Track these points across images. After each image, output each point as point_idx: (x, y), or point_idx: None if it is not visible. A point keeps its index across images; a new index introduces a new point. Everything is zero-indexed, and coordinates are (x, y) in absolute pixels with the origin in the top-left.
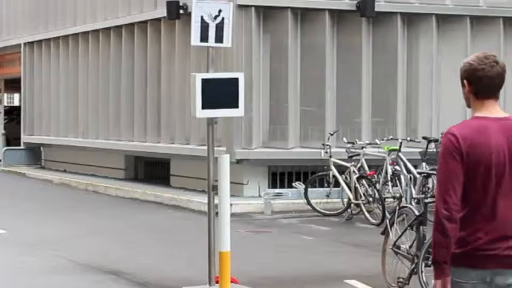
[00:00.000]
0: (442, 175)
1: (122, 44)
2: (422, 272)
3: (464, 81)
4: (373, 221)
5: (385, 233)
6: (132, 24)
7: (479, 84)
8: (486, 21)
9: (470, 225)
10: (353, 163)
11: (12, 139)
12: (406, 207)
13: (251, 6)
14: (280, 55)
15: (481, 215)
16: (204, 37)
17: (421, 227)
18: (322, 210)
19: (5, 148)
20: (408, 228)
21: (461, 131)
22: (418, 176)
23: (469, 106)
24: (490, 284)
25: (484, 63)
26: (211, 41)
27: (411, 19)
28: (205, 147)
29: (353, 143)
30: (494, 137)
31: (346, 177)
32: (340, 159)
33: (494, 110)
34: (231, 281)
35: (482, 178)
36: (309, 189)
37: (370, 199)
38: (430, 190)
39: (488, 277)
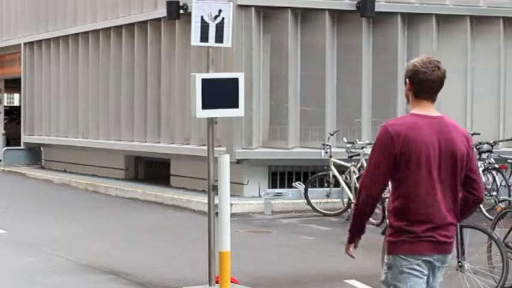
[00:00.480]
0: (371, 165)
1: (122, 44)
2: None
3: (407, 80)
4: (373, 221)
5: (385, 233)
6: (132, 24)
7: (420, 85)
8: (486, 21)
9: (407, 215)
10: (353, 163)
11: (12, 139)
12: None
13: (251, 6)
14: (280, 55)
15: (417, 205)
16: (204, 37)
17: None
18: (322, 210)
19: (5, 148)
20: None
21: (395, 127)
22: None
23: (408, 102)
24: (428, 266)
25: (426, 67)
26: (211, 41)
27: (411, 19)
28: (205, 147)
29: (353, 143)
30: (425, 133)
31: (346, 177)
32: (340, 159)
33: (429, 109)
34: (231, 281)
35: (414, 171)
36: (309, 189)
37: None
38: None
39: (428, 260)
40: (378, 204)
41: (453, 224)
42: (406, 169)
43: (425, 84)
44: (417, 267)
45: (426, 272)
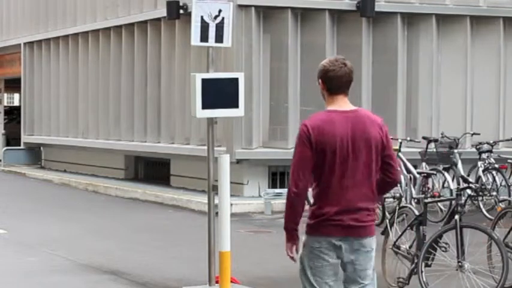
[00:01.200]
0: (295, 159)
1: (121, 44)
2: (422, 272)
3: (320, 80)
4: None
5: (385, 233)
6: (132, 24)
7: (330, 82)
8: (486, 21)
9: (322, 200)
10: None
11: (12, 139)
12: (406, 207)
13: (251, 6)
14: (280, 55)
15: (330, 191)
16: (204, 37)
17: (421, 227)
18: None
19: (5, 148)
20: (408, 228)
21: (312, 123)
22: (417, 176)
23: (324, 100)
24: (339, 249)
25: (334, 65)
26: (211, 41)
27: (411, 19)
28: (205, 147)
29: None
30: (339, 127)
31: None
32: None
33: (343, 104)
34: (231, 281)
35: (329, 161)
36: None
37: None
38: (430, 190)
39: (337, 243)
40: (378, 204)
41: (367, 208)
42: (323, 159)
43: (334, 81)
44: (325, 250)
45: (334, 255)
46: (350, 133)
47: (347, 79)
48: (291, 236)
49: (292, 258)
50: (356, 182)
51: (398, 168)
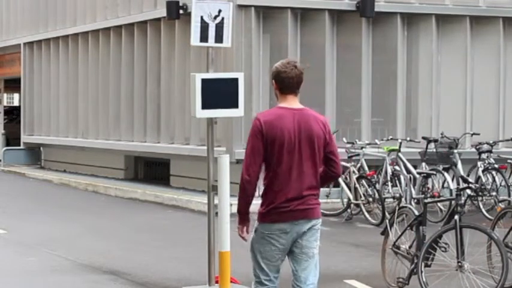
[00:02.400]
0: (248, 149)
1: (121, 44)
2: (422, 272)
3: (273, 80)
4: (373, 221)
5: (385, 233)
6: (132, 24)
7: (283, 83)
8: (486, 21)
9: (272, 189)
10: (353, 163)
11: (12, 139)
12: (405, 207)
13: (251, 6)
14: (280, 55)
15: (280, 181)
16: (203, 37)
17: (420, 227)
18: (321, 210)
19: (5, 148)
20: (408, 228)
21: (264, 117)
22: (417, 176)
23: (277, 99)
24: (288, 234)
25: (286, 67)
26: (211, 41)
27: (411, 19)
28: (205, 147)
29: (353, 143)
30: (287, 122)
31: (345, 178)
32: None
33: (293, 103)
34: (231, 281)
35: (278, 153)
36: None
37: (370, 199)
38: (429, 190)
39: (287, 228)
40: (378, 205)
41: (312, 194)
42: (272, 151)
43: (286, 81)
44: (275, 237)
45: (284, 241)
46: (296, 128)
47: (297, 80)
48: (243, 219)
49: (243, 238)
50: (301, 173)
51: (341, 163)
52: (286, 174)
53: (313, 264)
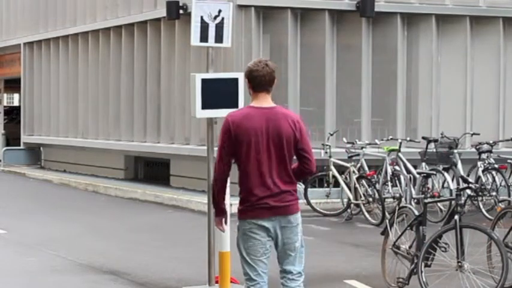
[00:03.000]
0: (218, 147)
1: (121, 44)
2: (422, 272)
3: (246, 79)
4: (373, 221)
5: (385, 233)
6: (132, 24)
7: (255, 81)
8: (486, 21)
9: (245, 187)
10: (353, 163)
11: (12, 139)
12: (405, 207)
13: (251, 6)
14: (280, 55)
15: (252, 179)
16: (203, 37)
17: (420, 227)
18: (322, 210)
19: (5, 148)
20: (408, 228)
21: (233, 117)
22: (417, 176)
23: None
24: (267, 229)
25: (257, 66)
26: (211, 41)
27: (411, 19)
28: (205, 147)
29: (353, 143)
30: (256, 121)
31: (346, 178)
32: (339, 159)
33: (264, 101)
34: (231, 281)
35: (246, 152)
36: (309, 190)
37: (370, 199)
38: (429, 190)
39: (265, 224)
40: (378, 205)
41: (287, 191)
42: (241, 150)
43: (257, 80)
44: (255, 231)
45: (264, 235)
46: (264, 127)
47: (269, 78)
48: (219, 211)
49: (221, 229)
50: (271, 171)
51: (314, 159)
52: (256, 172)
53: (298, 255)
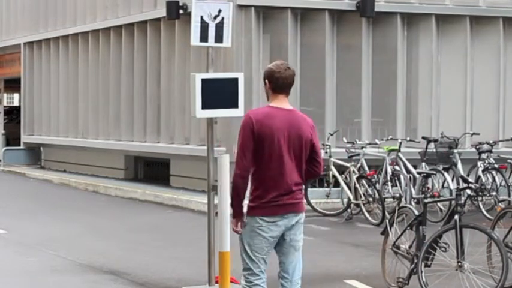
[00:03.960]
0: (239, 146)
1: (121, 44)
2: (422, 272)
3: (266, 80)
4: (373, 221)
5: (385, 233)
6: (132, 24)
7: (276, 83)
8: (486, 21)
9: (263, 185)
10: (353, 163)
11: (12, 139)
12: (405, 207)
13: (251, 6)
14: (280, 55)
15: (270, 177)
16: (203, 37)
17: (420, 227)
18: (321, 210)
19: (5, 148)
20: (408, 228)
21: (255, 115)
22: (417, 176)
23: (268, 100)
24: (279, 226)
25: (280, 68)
26: (211, 41)
27: (411, 19)
28: (205, 147)
29: (353, 143)
30: (277, 121)
31: (346, 177)
32: (340, 159)
33: (283, 103)
34: (231, 281)
35: (268, 150)
36: (309, 189)
37: (370, 199)
38: (429, 190)
39: (278, 220)
40: (378, 205)
41: (298, 190)
42: (262, 148)
43: (280, 81)
44: (264, 228)
45: (273, 234)
46: (286, 128)
47: (290, 81)
48: (237, 213)
49: (237, 232)
50: (290, 170)
51: (322, 164)
52: (276, 170)
53: (299, 257)
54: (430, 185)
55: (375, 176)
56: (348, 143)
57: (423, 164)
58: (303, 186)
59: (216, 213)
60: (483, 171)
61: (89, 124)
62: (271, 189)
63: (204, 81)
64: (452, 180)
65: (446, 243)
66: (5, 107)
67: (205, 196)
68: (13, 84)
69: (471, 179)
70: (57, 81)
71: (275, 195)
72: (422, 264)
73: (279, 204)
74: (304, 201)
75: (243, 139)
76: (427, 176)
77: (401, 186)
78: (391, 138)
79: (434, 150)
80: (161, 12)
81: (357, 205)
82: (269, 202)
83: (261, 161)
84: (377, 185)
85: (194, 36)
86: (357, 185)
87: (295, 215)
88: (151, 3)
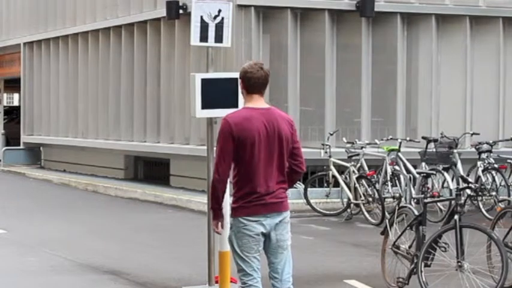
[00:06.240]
0: (218, 150)
1: (121, 44)
2: (421, 272)
3: (240, 80)
4: (373, 221)
5: (385, 233)
6: (131, 24)
7: (248, 82)
8: (486, 21)
9: (245, 186)
10: (353, 163)
11: (12, 139)
12: (405, 207)
13: (251, 6)
14: (280, 55)
15: (252, 178)
16: (203, 37)
17: (420, 227)
18: (321, 210)
19: (5, 148)
20: (408, 228)
21: (233, 119)
22: (417, 176)
23: (244, 100)
24: (262, 226)
25: (252, 68)
26: (211, 41)
27: (411, 19)
28: (205, 147)
29: (353, 143)
30: (256, 122)
31: (345, 177)
32: (339, 159)
33: (259, 103)
34: (231, 281)
35: (249, 152)
36: (309, 189)
37: (370, 199)
38: (429, 190)
39: (261, 219)
40: (378, 204)
41: (281, 188)
42: (243, 150)
43: (252, 81)
44: (251, 228)
45: (258, 232)
46: (265, 128)
47: (263, 81)
48: (216, 215)
49: (217, 232)
50: (271, 169)
51: (304, 161)
52: (257, 171)
53: (288, 255)
54: (429, 185)
55: (375, 176)
56: (347, 143)
57: (423, 164)
58: (286, 185)
59: None
60: (483, 171)
61: (89, 124)
62: (253, 190)
63: (203, 81)
64: (452, 180)
65: (446, 243)
66: (4, 107)
67: (205, 196)
68: (13, 84)
69: (471, 179)
70: (57, 81)
71: (257, 195)
72: (422, 264)
73: (261, 203)
74: (303, 201)
75: (222, 144)
76: (427, 176)
77: (401, 186)
78: (391, 138)
79: (434, 150)
80: (161, 12)
81: (357, 205)
82: (251, 202)
83: (242, 163)
84: (377, 185)
85: (194, 36)
86: (357, 185)
87: (278, 214)
88: (151, 3)
